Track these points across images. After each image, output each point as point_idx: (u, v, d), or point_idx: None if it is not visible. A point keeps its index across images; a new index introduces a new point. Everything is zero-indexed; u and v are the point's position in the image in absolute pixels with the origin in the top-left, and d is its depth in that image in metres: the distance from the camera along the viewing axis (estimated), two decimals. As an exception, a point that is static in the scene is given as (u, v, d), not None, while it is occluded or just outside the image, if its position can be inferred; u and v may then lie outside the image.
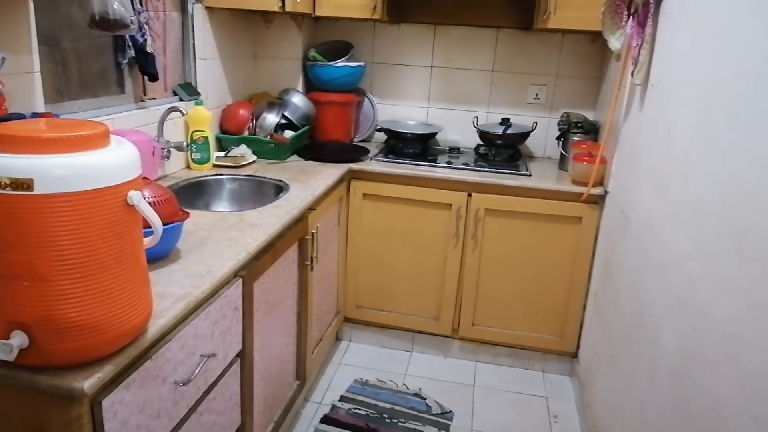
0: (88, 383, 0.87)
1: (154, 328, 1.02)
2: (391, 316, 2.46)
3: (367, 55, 2.75)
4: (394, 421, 2.04)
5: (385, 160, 2.41)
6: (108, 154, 0.89)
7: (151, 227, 1.04)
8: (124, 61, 1.79)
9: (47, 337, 0.85)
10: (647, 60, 1.75)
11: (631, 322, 1.65)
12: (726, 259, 1.09)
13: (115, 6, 1.41)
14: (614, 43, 1.99)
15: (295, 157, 2.39)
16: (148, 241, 1.04)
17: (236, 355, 1.40)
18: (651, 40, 1.74)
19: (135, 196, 0.93)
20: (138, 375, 0.99)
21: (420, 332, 2.48)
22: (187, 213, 1.36)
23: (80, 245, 0.86)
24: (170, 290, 1.16)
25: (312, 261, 1.92)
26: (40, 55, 1.42)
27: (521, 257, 2.28)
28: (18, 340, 0.84)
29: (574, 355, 2.36)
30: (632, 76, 1.84)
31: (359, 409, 2.10)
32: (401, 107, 2.79)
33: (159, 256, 1.28)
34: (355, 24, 2.71)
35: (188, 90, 2.11)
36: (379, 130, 2.65)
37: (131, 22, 1.49)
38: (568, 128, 2.44)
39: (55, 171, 0.82)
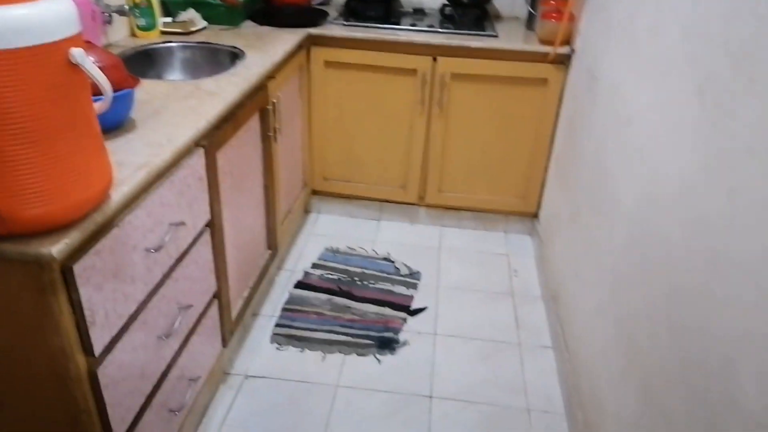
0: (55, 248, 0.87)
1: (117, 195, 1.01)
2: (358, 186, 2.49)
3: None
4: (365, 283, 2.15)
5: (345, 23, 2.28)
6: (43, 7, 0.81)
7: (101, 94, 0.98)
8: None
9: (7, 204, 0.83)
10: None
11: (592, 179, 1.71)
12: (686, 107, 1.11)
13: None
14: None
15: (249, 22, 2.24)
16: (98, 106, 0.99)
17: (206, 225, 1.41)
18: None
19: (77, 54, 0.86)
20: (107, 242, 0.99)
21: (387, 201, 2.52)
22: (138, 79, 1.28)
23: (26, 108, 0.81)
24: (129, 159, 1.12)
25: (275, 132, 1.87)
26: None
27: (486, 122, 2.28)
28: (-26, 208, 0.81)
29: (535, 216, 2.47)
30: None
31: (331, 274, 2.19)
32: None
33: (113, 125, 1.22)
34: None
35: (122, -55, 1.89)
36: (337, -9, 2.48)
37: None
38: (536, -15, 2.33)
39: (-16, 24, 0.75)
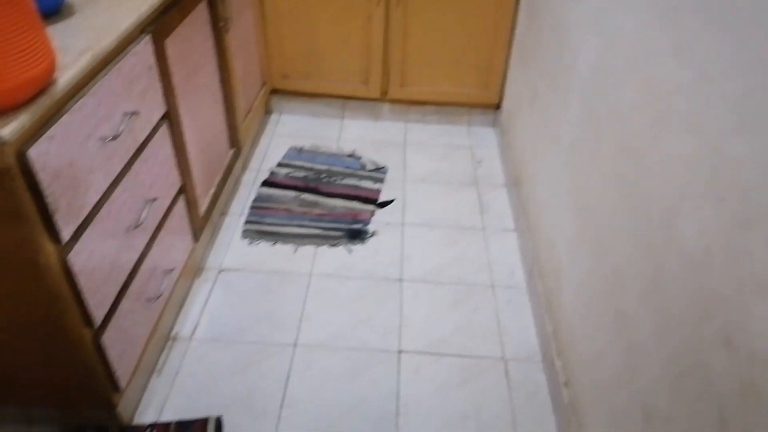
0: (6, 130, 0.84)
1: (63, 79, 0.97)
2: (319, 83, 2.43)
3: None
4: (332, 179, 2.16)
5: None
6: None
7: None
8: None
9: (-58, 83, 0.79)
10: None
11: (549, 55, 1.71)
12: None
13: None
14: None
15: None
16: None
17: (162, 118, 1.38)
18: None
19: None
20: (59, 128, 0.97)
21: (350, 98, 2.49)
22: (70, -41, 1.19)
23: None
24: (71, 43, 1.07)
25: (226, 22, 1.79)
26: None
27: (446, 11, 2.22)
28: None
29: (498, 107, 2.48)
30: None
31: (297, 172, 2.19)
32: None
33: (50, 10, 1.15)
34: None
35: None
36: None
37: None
38: None
39: None
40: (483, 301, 1.73)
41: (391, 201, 2.10)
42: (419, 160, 2.33)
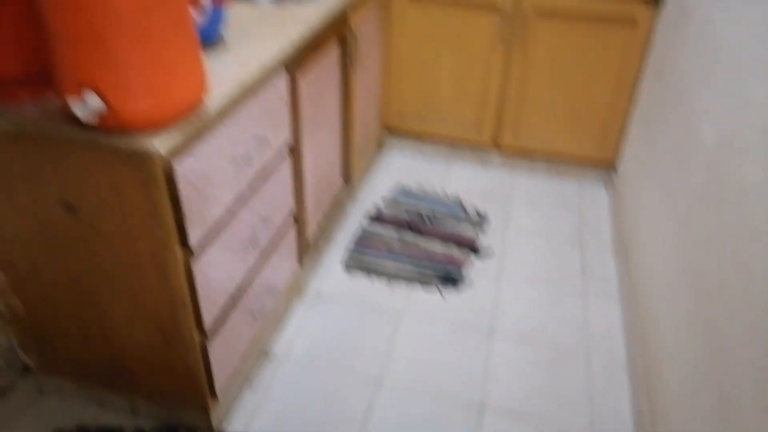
0: (159, 143, 0.95)
1: (213, 103, 1.07)
2: (432, 125, 2.49)
3: None
4: (434, 222, 2.18)
5: (428, -42, 2.23)
6: None
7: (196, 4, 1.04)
8: None
9: (116, 96, 0.91)
10: None
11: (674, 122, 1.63)
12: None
13: None
14: None
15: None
16: (197, 16, 1.05)
17: (287, 147, 1.48)
18: None
19: (182, -39, 0.91)
20: (202, 146, 1.07)
21: (460, 142, 2.52)
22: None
23: (139, 10, 0.87)
24: (222, 73, 1.19)
25: (353, 62, 1.90)
26: None
27: (568, 64, 2.20)
28: (93, 100, 0.90)
29: (611, 166, 2.39)
30: None
31: (401, 211, 2.23)
32: None
33: (208, 41, 1.29)
34: None
35: None
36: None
37: None
38: None
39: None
40: (576, 368, 1.64)
41: (490, 249, 2.07)
42: (524, 211, 2.29)
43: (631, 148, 2.16)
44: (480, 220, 2.21)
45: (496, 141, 2.45)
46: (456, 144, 2.53)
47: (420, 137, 2.56)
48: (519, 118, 2.36)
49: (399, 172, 2.50)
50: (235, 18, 1.50)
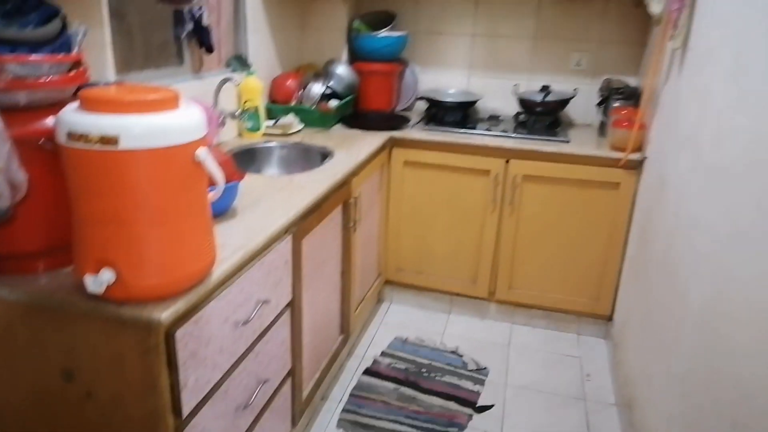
0: (164, 314, 1.00)
1: (218, 272, 1.15)
2: (430, 278, 2.56)
3: (409, 24, 2.80)
4: (432, 375, 2.16)
5: (425, 128, 2.48)
6: (181, 115, 1.01)
7: (213, 185, 1.16)
8: (183, 34, 1.92)
9: (130, 273, 0.99)
10: (686, 24, 1.75)
11: (662, 283, 1.69)
12: (749, 221, 1.14)
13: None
14: (654, 6, 1.99)
15: (339, 125, 2.49)
16: (212, 195, 1.17)
17: (287, 305, 1.54)
18: (691, 4, 1.73)
19: (202, 153, 1.04)
20: (205, 312, 1.13)
21: (458, 294, 2.57)
22: (243, 173, 1.48)
23: (157, 195, 0.98)
24: (230, 241, 1.28)
25: (355, 224, 2.03)
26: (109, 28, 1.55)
27: (558, 223, 2.33)
28: (106, 275, 0.98)
29: (609, 318, 2.41)
30: (671, 40, 1.84)
31: (399, 364, 2.22)
32: (442, 76, 2.83)
33: (220, 212, 1.41)
34: (396, -6, 2.76)
35: (240, 62, 2.23)
36: (420, 99, 2.72)
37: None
38: (608, 94, 2.45)
39: (137, 129, 0.94)
40: None
41: (490, 406, 2.03)
42: (523, 365, 2.27)
43: (625, 303, 2.20)
44: (479, 374, 2.19)
45: (492, 294, 2.50)
46: (453, 296, 2.59)
47: (418, 290, 2.62)
48: (514, 273, 2.44)
49: (398, 325, 2.52)
50: (248, 188, 1.65)
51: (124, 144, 0.94)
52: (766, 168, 1.11)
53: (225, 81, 2.01)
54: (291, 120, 2.33)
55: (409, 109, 2.85)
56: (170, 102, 1.01)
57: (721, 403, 1.16)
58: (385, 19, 2.72)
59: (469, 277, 2.51)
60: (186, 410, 1.11)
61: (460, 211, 2.44)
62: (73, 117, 0.95)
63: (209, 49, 2.01)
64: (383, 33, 2.63)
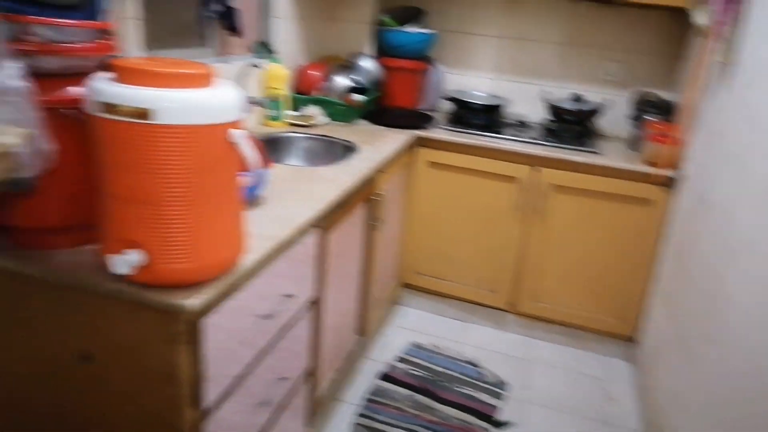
0: (190, 302, 0.94)
1: (247, 262, 1.08)
2: (448, 284, 2.49)
3: (438, 22, 2.73)
4: (448, 384, 2.09)
5: (450, 129, 2.41)
6: (217, 93, 0.94)
7: (244, 170, 1.10)
8: (210, 15, 1.85)
9: (158, 256, 0.92)
10: (734, 37, 1.68)
11: (704, 309, 1.61)
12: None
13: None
14: (700, 18, 1.92)
15: (363, 121, 2.42)
16: (245, 180, 1.10)
17: (310, 301, 1.47)
18: (740, 17, 1.67)
19: (237, 134, 0.98)
20: (231, 303, 1.06)
21: (476, 303, 2.50)
22: (271, 161, 1.42)
23: (186, 174, 0.92)
24: (258, 231, 1.21)
25: (378, 222, 1.96)
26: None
27: (584, 236, 2.26)
28: (134, 256, 0.91)
29: (631, 340, 2.33)
30: (717, 54, 1.77)
31: (415, 370, 2.15)
32: (469, 77, 2.77)
33: (249, 199, 1.34)
34: (428, -9, 2.70)
35: (265, 48, 2.16)
36: (447, 99, 2.65)
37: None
38: (641, 107, 2.38)
39: (171, 103, 0.88)
40: None
41: (509, 424, 1.95)
42: (543, 381, 2.19)
43: (656, 326, 2.12)
44: (497, 388, 2.11)
45: (512, 306, 2.43)
46: (472, 305, 2.51)
47: (436, 295, 2.55)
48: (536, 284, 2.37)
49: (414, 329, 2.44)
50: (272, 178, 1.58)
51: (158, 118, 0.88)
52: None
53: (251, 66, 1.94)
54: (314, 111, 2.27)
55: (433, 109, 2.78)
56: (205, 78, 0.95)
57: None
58: (413, 15, 2.65)
59: (488, 286, 2.44)
60: (206, 402, 1.04)
61: (483, 218, 2.36)
62: (107, 87, 0.89)
63: (236, 32, 1.94)
64: (412, 28, 2.57)
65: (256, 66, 1.93)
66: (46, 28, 0.94)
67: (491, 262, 2.40)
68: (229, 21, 1.91)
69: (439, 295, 2.54)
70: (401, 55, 2.60)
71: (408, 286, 2.57)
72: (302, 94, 2.39)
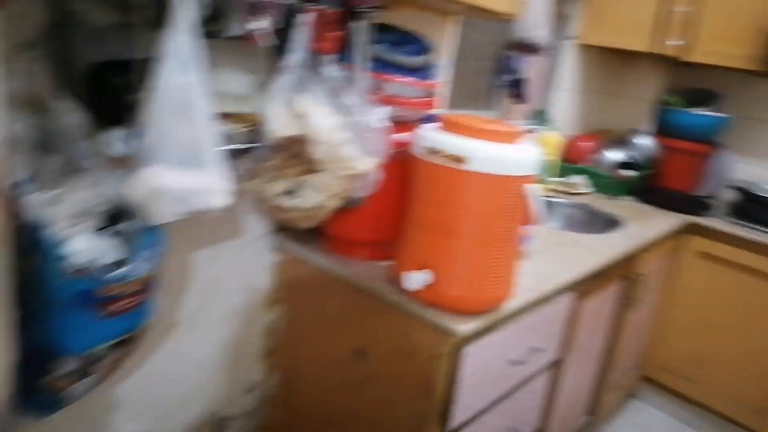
0: (461, 327, 1.05)
1: (509, 306, 1.17)
2: (701, 391, 2.20)
3: (733, 106, 2.52)
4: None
5: (731, 220, 2.18)
6: (520, 150, 1.06)
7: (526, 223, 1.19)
8: (502, 83, 2.04)
9: (444, 281, 1.06)
10: None
11: None
12: None
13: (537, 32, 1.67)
14: None
15: (629, 197, 2.35)
16: (527, 231, 1.19)
17: (551, 361, 1.48)
18: None
19: (530, 189, 1.08)
20: (489, 339, 1.15)
21: (732, 421, 2.15)
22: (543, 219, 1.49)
23: (483, 216, 1.05)
24: (522, 281, 1.29)
25: (633, 302, 1.87)
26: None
27: None
28: (424, 277, 1.07)
29: None
30: None
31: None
32: (759, 168, 2.47)
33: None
34: (722, 73, 2.52)
35: (542, 116, 2.28)
36: (731, 188, 2.40)
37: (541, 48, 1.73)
38: None
39: (484, 154, 1.02)
40: None
41: None
42: None
43: None
44: None
45: (782, 435, 2.03)
46: (726, 421, 2.17)
47: (681, 398, 2.27)
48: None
49: (645, 429, 2.21)
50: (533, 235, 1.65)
51: (471, 165, 1.03)
52: None
53: (528, 131, 2.06)
54: (579, 180, 2.28)
55: (713, 196, 2.54)
56: (514, 136, 1.08)
57: None
58: (705, 98, 2.49)
59: (756, 406, 2.08)
60: (451, 424, 1.13)
61: (758, 325, 2.05)
62: (434, 134, 1.08)
63: (521, 100, 2.10)
64: (701, 111, 2.42)
65: (531, 131, 2.05)
66: (397, 85, 1.19)
67: (763, 378, 2.05)
68: (516, 89, 2.08)
69: (685, 399, 2.26)
70: (684, 137, 2.45)
71: (649, 380, 2.34)
72: (570, 162, 2.43)
